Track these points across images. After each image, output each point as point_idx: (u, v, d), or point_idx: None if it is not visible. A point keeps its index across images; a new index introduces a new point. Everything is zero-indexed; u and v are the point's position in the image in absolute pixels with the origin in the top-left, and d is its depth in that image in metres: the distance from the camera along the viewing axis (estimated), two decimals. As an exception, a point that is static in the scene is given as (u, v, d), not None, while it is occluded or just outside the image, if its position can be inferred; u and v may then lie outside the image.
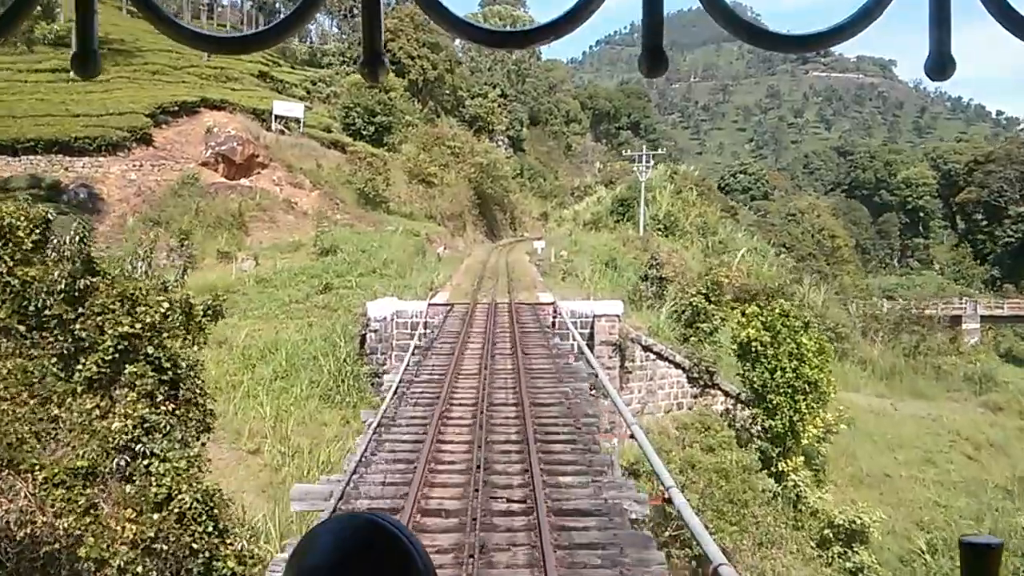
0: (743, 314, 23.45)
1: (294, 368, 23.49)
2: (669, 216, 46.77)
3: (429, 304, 22.76)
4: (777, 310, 22.87)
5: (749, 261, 40.57)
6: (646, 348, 23.79)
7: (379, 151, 49.50)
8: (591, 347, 21.74)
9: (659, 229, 46.00)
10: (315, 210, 41.14)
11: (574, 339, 18.77)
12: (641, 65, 0.95)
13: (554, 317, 22.69)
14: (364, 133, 53.34)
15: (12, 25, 0.97)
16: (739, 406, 25.17)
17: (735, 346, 23.56)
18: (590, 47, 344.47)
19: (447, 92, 71.67)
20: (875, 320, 44.39)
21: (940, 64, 0.94)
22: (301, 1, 0.99)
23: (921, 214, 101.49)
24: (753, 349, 22.44)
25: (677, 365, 24.77)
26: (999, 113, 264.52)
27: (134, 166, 41.10)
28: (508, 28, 1.09)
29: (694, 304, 28.76)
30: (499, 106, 77.09)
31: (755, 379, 22.33)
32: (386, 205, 46.13)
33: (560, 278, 33.88)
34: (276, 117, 47.52)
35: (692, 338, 28.78)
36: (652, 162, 46.04)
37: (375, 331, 22.39)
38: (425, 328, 22.08)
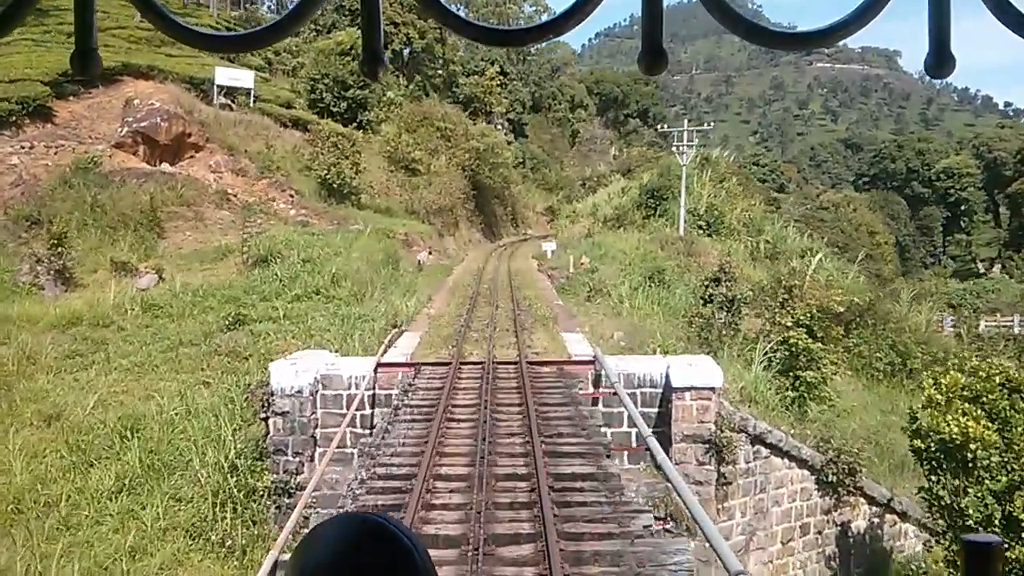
0: (935, 383, 13.34)
1: (154, 472, 13.84)
2: (712, 210, 37.12)
3: (379, 365, 13.04)
4: (997, 378, 12.88)
5: (828, 270, 30.86)
6: (756, 440, 13.92)
7: (349, 131, 39.61)
8: (665, 443, 12.10)
9: (700, 226, 36.41)
10: (258, 204, 31.38)
11: (655, 458, 9.02)
12: (641, 63, 0.93)
13: (596, 388, 13.07)
14: (334, 110, 43.71)
15: (14, 20, 0.94)
16: (891, 519, 15.58)
17: (919, 439, 13.34)
18: (589, 39, 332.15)
19: (438, 67, 61.75)
20: (987, 343, 34.66)
21: (939, 61, 0.91)
22: None
23: (962, 207, 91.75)
24: (970, 456, 12.48)
25: (801, 462, 14.95)
26: (1007, 104, 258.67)
27: (22, 147, 31.38)
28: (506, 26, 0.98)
29: (792, 342, 19.17)
30: (498, 85, 67.04)
31: (969, 508, 12.27)
32: (356, 198, 36.39)
33: (585, 296, 24.30)
34: (218, 87, 37.79)
35: (788, 393, 19.20)
36: (695, 140, 36.33)
37: (283, 413, 12.68)
38: (371, 406, 12.47)
